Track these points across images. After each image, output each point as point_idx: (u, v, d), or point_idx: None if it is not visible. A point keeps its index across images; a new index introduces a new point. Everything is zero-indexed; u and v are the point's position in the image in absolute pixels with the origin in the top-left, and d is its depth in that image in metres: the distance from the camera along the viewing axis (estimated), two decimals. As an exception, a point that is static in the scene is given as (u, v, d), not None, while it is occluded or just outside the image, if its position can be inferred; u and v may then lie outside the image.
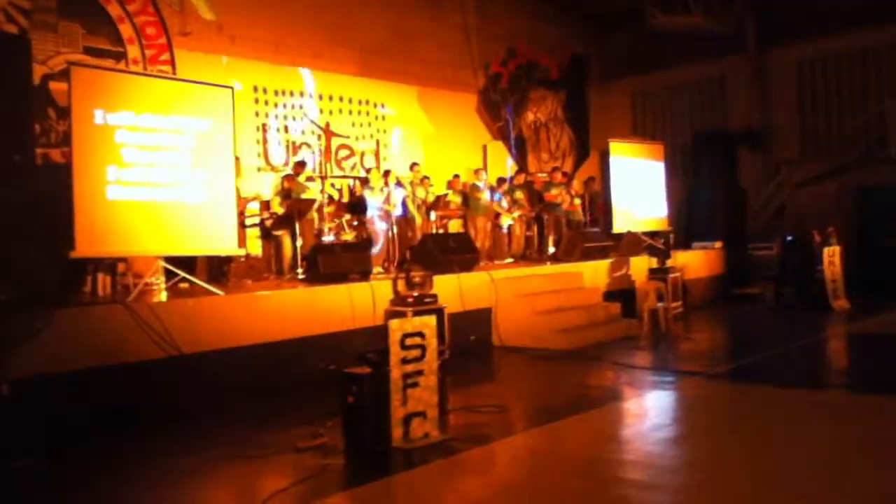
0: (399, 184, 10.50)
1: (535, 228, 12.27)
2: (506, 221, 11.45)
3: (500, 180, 12.14)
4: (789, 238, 12.20)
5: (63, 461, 4.85)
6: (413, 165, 11.10)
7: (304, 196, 9.38)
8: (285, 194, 9.39)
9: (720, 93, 15.19)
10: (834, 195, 12.98)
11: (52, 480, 4.54)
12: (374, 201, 10.07)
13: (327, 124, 12.03)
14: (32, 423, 5.06)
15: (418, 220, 10.52)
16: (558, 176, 12.48)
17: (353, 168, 12.28)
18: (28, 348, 5.32)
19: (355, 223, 10.12)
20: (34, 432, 5.01)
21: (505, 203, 11.53)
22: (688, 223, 13.86)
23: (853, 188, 12.97)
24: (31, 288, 5.84)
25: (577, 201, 12.39)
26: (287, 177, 9.72)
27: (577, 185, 12.95)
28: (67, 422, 5.18)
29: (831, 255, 10.91)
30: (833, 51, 13.67)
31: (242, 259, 8.99)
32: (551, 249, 11.74)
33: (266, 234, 9.61)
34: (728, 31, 13.53)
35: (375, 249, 9.58)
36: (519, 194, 11.91)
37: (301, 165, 9.98)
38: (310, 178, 10.00)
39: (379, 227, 9.96)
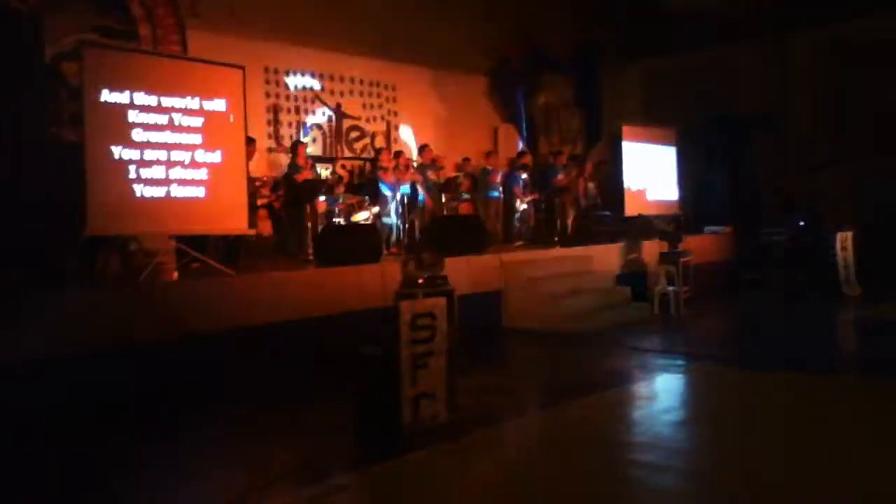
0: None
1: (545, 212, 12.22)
2: (521, 206, 11.42)
3: (523, 165, 12.12)
4: (802, 223, 12.11)
5: (74, 442, 4.89)
6: (423, 148, 11.02)
7: (302, 177, 9.25)
8: (289, 176, 9.33)
9: (734, 76, 14.98)
10: (848, 180, 12.84)
11: (60, 461, 4.57)
12: (384, 183, 10.03)
13: (338, 105, 11.99)
14: (46, 403, 5.12)
15: (428, 202, 10.46)
16: (562, 159, 12.41)
17: (363, 150, 12.25)
18: (41, 328, 5.35)
19: (365, 205, 10.09)
20: (47, 412, 5.07)
21: (521, 186, 11.48)
22: (699, 207, 13.76)
23: (868, 173, 12.83)
24: (44, 267, 5.90)
25: (591, 185, 12.33)
26: (292, 158, 9.67)
27: (588, 168, 12.88)
28: (78, 402, 5.22)
29: (844, 241, 10.82)
30: (850, 36, 13.45)
31: (253, 240, 9.00)
32: (561, 233, 11.70)
33: (276, 215, 9.60)
34: (741, 10, 13.35)
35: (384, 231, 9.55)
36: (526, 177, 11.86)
37: (300, 146, 9.74)
38: (316, 160, 9.92)
39: (387, 209, 9.90)
